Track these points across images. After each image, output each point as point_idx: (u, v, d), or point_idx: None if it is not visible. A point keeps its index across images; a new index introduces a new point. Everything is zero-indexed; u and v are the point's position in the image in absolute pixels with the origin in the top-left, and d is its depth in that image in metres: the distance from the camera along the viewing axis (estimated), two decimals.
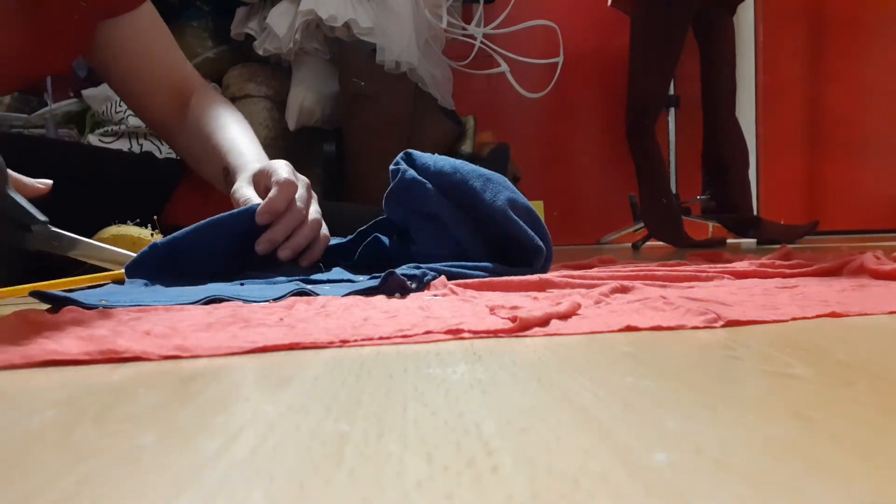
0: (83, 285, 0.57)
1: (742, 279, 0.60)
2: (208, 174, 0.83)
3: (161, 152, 1.45)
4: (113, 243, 0.70)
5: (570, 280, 0.55)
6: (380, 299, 0.48)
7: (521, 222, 0.64)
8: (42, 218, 0.61)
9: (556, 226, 1.37)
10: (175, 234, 0.61)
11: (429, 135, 1.57)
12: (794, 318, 0.37)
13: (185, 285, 0.59)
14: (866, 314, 0.39)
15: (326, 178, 1.57)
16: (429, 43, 1.66)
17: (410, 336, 0.33)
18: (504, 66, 1.94)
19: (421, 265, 0.59)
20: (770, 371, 0.26)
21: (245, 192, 0.68)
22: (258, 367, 0.28)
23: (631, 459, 0.16)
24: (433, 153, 0.67)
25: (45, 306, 0.45)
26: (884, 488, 0.14)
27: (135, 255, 0.60)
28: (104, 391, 0.24)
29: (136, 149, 1.45)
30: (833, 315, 0.38)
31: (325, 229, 0.71)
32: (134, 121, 1.44)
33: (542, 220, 0.66)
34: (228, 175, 0.75)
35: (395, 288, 0.52)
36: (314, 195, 0.72)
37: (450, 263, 0.61)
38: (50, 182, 0.66)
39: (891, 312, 0.39)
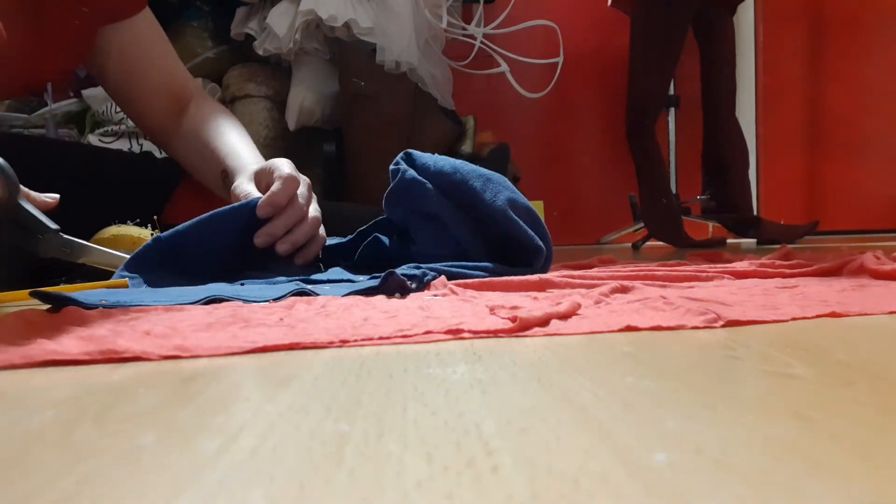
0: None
1: (742, 279, 0.60)
2: (206, 179, 0.83)
3: (161, 152, 1.45)
4: (113, 243, 0.70)
5: (570, 280, 0.55)
6: (380, 299, 0.48)
7: (521, 222, 0.64)
8: (53, 226, 0.63)
9: (556, 226, 1.37)
10: (177, 227, 0.61)
11: (429, 135, 1.57)
12: (794, 318, 0.37)
13: (186, 282, 0.59)
14: (866, 314, 0.39)
15: (326, 178, 1.57)
16: (429, 43, 1.66)
17: (410, 336, 0.33)
18: (504, 66, 1.94)
19: (421, 265, 0.59)
20: (770, 371, 0.26)
21: (246, 188, 0.68)
22: (258, 367, 0.28)
23: (631, 459, 0.16)
24: (433, 153, 0.67)
25: (46, 306, 0.45)
26: (884, 488, 0.14)
27: None
28: (104, 391, 0.24)
29: (136, 149, 1.45)
30: (833, 315, 0.38)
31: (322, 230, 0.71)
32: None
33: (542, 220, 0.66)
34: (227, 178, 0.75)
35: (395, 288, 0.52)
36: (314, 196, 0.72)
37: (450, 263, 0.61)
38: (57, 196, 0.67)
39: (891, 312, 0.39)
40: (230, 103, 1.56)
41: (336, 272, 0.65)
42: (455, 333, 0.34)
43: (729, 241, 2.03)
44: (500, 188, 0.64)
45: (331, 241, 0.74)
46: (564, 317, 0.38)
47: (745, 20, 2.34)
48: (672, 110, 2.03)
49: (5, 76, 0.76)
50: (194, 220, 0.62)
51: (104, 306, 0.43)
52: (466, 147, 1.64)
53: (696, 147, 1.93)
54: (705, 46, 1.89)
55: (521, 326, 0.35)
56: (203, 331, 0.35)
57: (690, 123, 2.00)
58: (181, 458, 0.17)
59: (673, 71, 1.80)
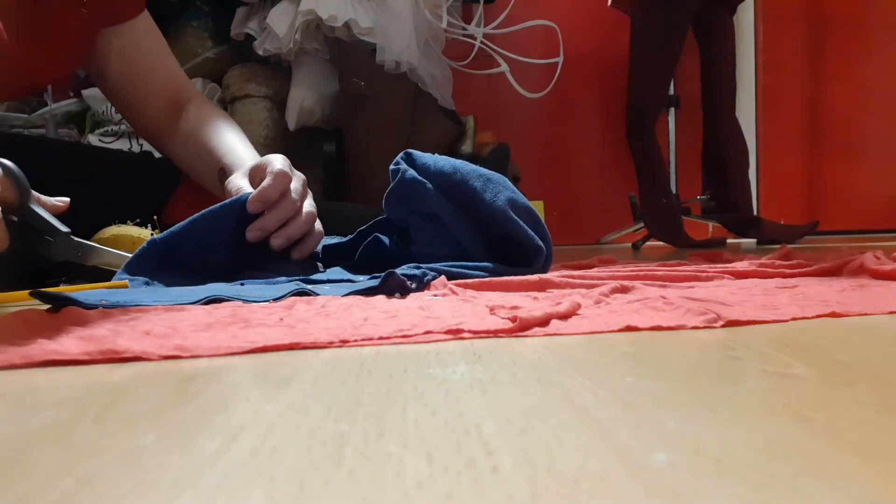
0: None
1: (742, 279, 0.60)
2: (204, 180, 0.83)
3: None
4: (113, 243, 0.70)
5: (570, 280, 0.55)
6: (380, 299, 0.48)
7: (521, 222, 0.64)
8: (64, 229, 0.63)
9: (556, 226, 1.37)
10: (172, 228, 0.61)
11: (429, 135, 1.57)
12: (794, 318, 0.37)
13: (185, 282, 0.59)
14: (866, 314, 0.39)
15: (326, 178, 1.57)
16: (429, 43, 1.66)
17: (410, 336, 0.33)
18: (504, 66, 1.94)
19: (421, 265, 0.59)
20: (770, 371, 0.26)
21: (238, 183, 0.68)
22: (258, 367, 0.28)
23: (631, 459, 0.16)
24: (433, 153, 0.67)
25: (46, 306, 0.45)
26: (884, 488, 0.14)
27: None
28: (104, 391, 0.24)
29: (135, 149, 1.45)
30: (833, 315, 0.38)
31: (318, 225, 0.71)
32: None
33: (542, 220, 0.66)
34: (224, 176, 0.75)
35: (395, 288, 0.52)
36: (310, 192, 0.72)
37: (450, 263, 0.61)
38: (68, 200, 0.68)
39: (891, 312, 0.39)
40: (230, 103, 1.56)
41: (336, 272, 0.66)
42: (455, 333, 0.34)
43: (729, 241, 2.03)
44: (500, 188, 0.64)
45: (331, 241, 0.74)
46: (564, 317, 0.38)
47: (745, 20, 2.34)
48: (672, 110, 2.03)
49: (6, 77, 0.76)
50: (188, 219, 0.62)
51: (104, 306, 0.43)
52: (466, 147, 1.64)
53: (696, 147, 1.94)
54: (705, 46, 1.89)
55: (521, 326, 0.35)
56: (203, 331, 0.35)
57: (690, 123, 2.00)
58: (181, 458, 0.17)
59: (673, 71, 1.80)
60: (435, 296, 0.49)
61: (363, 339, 0.33)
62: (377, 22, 1.50)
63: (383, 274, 0.53)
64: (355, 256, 0.70)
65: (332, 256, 0.73)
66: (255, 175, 0.69)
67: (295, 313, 0.40)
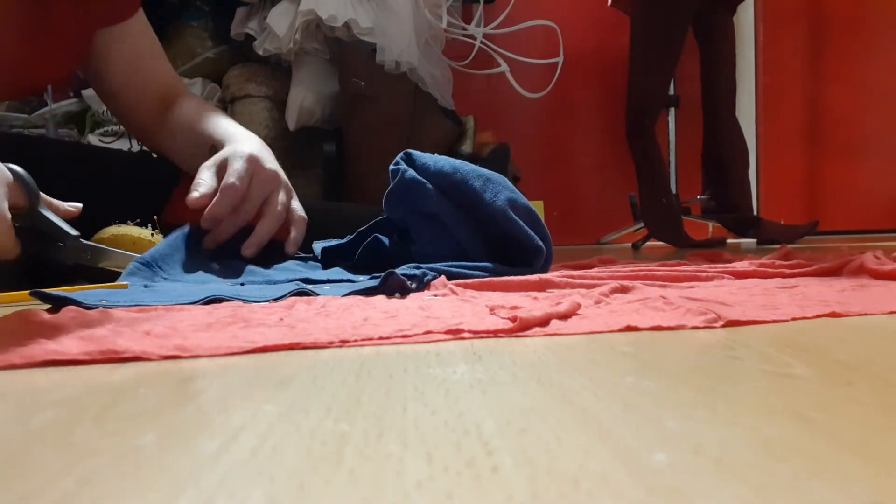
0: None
1: (742, 279, 0.60)
2: (197, 164, 0.84)
3: None
4: (113, 243, 0.71)
5: (570, 280, 0.55)
6: (380, 299, 0.48)
7: (521, 222, 0.64)
8: (73, 233, 0.64)
9: (556, 226, 1.37)
10: (151, 251, 0.62)
11: (429, 135, 1.57)
12: (794, 318, 0.37)
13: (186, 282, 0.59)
14: (866, 314, 0.39)
15: (326, 178, 1.57)
16: (429, 43, 1.66)
17: (410, 336, 0.33)
18: (504, 66, 1.94)
19: (421, 265, 0.59)
20: (770, 371, 0.26)
21: (201, 176, 0.69)
22: (258, 367, 0.28)
23: (631, 459, 0.16)
24: (433, 153, 0.67)
25: (46, 306, 0.45)
26: (884, 488, 0.14)
27: None
28: (104, 391, 0.24)
29: (135, 148, 1.45)
30: (833, 315, 0.38)
31: (300, 211, 0.73)
32: None
33: (542, 220, 0.66)
34: (214, 151, 0.76)
35: (395, 288, 0.52)
36: (284, 186, 0.72)
37: (450, 263, 0.61)
38: (80, 206, 0.68)
39: (891, 312, 0.39)
40: (230, 103, 1.56)
41: (336, 272, 0.66)
42: (455, 333, 0.34)
43: (729, 241, 2.03)
44: (500, 188, 0.64)
45: (331, 241, 0.74)
46: (564, 317, 0.38)
47: (745, 20, 2.34)
48: (672, 110, 2.03)
49: (6, 77, 0.76)
50: (162, 244, 0.64)
51: (104, 306, 0.43)
52: (466, 147, 1.64)
53: (696, 147, 1.94)
54: (705, 46, 1.89)
55: (521, 326, 0.35)
56: (203, 331, 0.35)
57: (690, 123, 2.00)
58: (181, 458, 0.17)
59: (673, 71, 1.80)
60: (435, 296, 0.49)
61: (363, 339, 0.33)
62: (377, 22, 1.50)
63: (383, 274, 0.53)
64: (355, 257, 0.70)
65: (332, 256, 0.73)
66: (221, 170, 0.70)
67: (295, 313, 0.40)
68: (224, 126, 0.80)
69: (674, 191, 1.99)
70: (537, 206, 1.73)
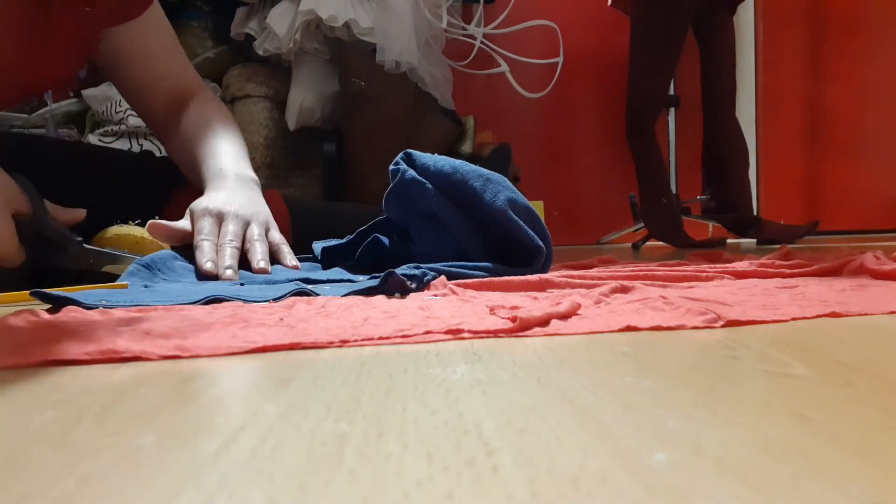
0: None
1: (742, 279, 0.60)
2: (195, 180, 0.84)
3: (161, 151, 1.45)
4: (116, 243, 0.71)
5: (570, 280, 0.55)
6: (380, 299, 0.48)
7: (521, 222, 0.64)
8: (77, 238, 0.65)
9: (556, 226, 1.37)
10: (151, 255, 0.62)
11: (429, 135, 1.57)
12: (794, 318, 0.37)
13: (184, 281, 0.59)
14: (866, 314, 0.39)
15: (326, 178, 1.57)
16: (429, 43, 1.66)
17: (410, 336, 0.33)
18: (504, 66, 1.94)
19: (421, 265, 0.59)
20: (770, 371, 0.26)
21: (181, 223, 0.67)
22: (258, 367, 0.28)
23: (631, 459, 0.16)
24: (433, 153, 0.67)
25: (46, 306, 0.45)
26: (884, 488, 0.14)
27: None
28: (104, 391, 0.24)
29: (135, 148, 1.45)
30: (833, 315, 0.38)
31: (273, 237, 0.70)
32: (134, 121, 1.44)
33: (542, 220, 0.66)
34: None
35: (395, 288, 0.52)
36: (256, 223, 0.70)
37: (450, 263, 0.61)
38: (84, 211, 0.68)
39: (891, 312, 0.39)
40: (230, 103, 1.56)
41: (336, 272, 0.66)
42: (455, 333, 0.34)
43: (729, 241, 2.03)
44: (500, 188, 0.64)
45: (330, 241, 0.74)
46: (564, 317, 0.38)
47: (745, 20, 2.34)
48: (672, 110, 2.03)
49: (6, 83, 0.75)
50: (163, 251, 0.64)
51: (104, 306, 0.43)
52: (466, 147, 1.64)
53: (696, 147, 1.94)
54: (705, 46, 1.89)
55: (521, 326, 0.35)
56: (203, 331, 0.35)
57: (690, 123, 2.00)
58: (181, 458, 0.17)
59: (673, 71, 1.80)
60: (435, 296, 0.49)
61: (363, 339, 0.33)
62: (377, 22, 1.50)
63: (383, 274, 0.53)
64: (355, 257, 0.70)
65: (332, 256, 0.73)
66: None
67: (295, 313, 0.40)
68: (209, 163, 0.77)
69: (674, 191, 1.99)
70: (537, 206, 1.73)
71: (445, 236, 0.65)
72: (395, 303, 0.46)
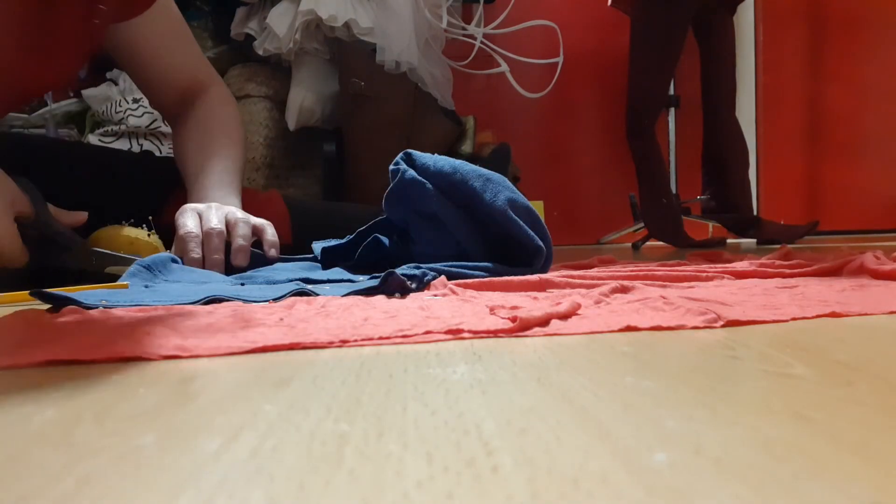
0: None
1: (742, 279, 0.60)
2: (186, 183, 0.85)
3: (161, 151, 1.45)
4: (109, 243, 0.71)
5: (570, 280, 0.55)
6: (380, 299, 0.48)
7: (521, 222, 0.64)
8: (79, 239, 0.65)
9: (556, 226, 1.37)
10: (152, 257, 0.63)
11: (429, 135, 1.57)
12: (794, 318, 0.37)
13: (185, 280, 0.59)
14: (866, 314, 0.39)
15: (326, 178, 1.57)
16: (429, 43, 1.66)
17: (410, 336, 0.33)
18: (504, 66, 1.94)
19: (421, 265, 0.59)
20: (770, 371, 0.26)
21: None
22: (258, 367, 0.28)
23: (631, 459, 0.16)
24: (433, 153, 0.67)
25: (46, 306, 0.45)
26: (884, 488, 0.14)
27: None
28: (104, 391, 0.24)
29: (135, 148, 1.45)
30: (833, 315, 0.38)
31: (259, 222, 0.73)
32: (134, 121, 1.44)
33: (542, 220, 0.66)
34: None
35: (395, 288, 0.52)
36: (237, 220, 0.72)
37: (450, 263, 0.61)
38: (86, 214, 0.69)
39: (891, 312, 0.39)
40: None
41: (336, 272, 0.66)
42: (455, 333, 0.34)
43: (729, 241, 2.03)
44: (500, 188, 0.64)
45: (330, 241, 0.74)
46: (564, 317, 0.38)
47: (745, 20, 2.34)
48: (672, 110, 2.03)
49: (7, 83, 0.75)
50: (163, 254, 0.65)
51: (104, 306, 0.43)
52: (466, 147, 1.64)
53: (696, 147, 1.93)
54: (705, 46, 1.89)
55: (521, 326, 0.35)
56: (203, 331, 0.35)
57: (690, 123, 2.00)
58: (181, 458, 0.17)
59: (673, 71, 1.80)
60: (435, 296, 0.49)
61: (363, 339, 0.33)
62: (377, 22, 1.50)
63: (383, 274, 0.53)
64: (355, 257, 0.70)
65: (332, 256, 0.73)
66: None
67: (295, 313, 0.40)
68: (195, 187, 0.79)
69: (674, 191, 1.99)
70: (537, 206, 1.73)
71: (445, 236, 0.65)
72: (395, 303, 0.46)
